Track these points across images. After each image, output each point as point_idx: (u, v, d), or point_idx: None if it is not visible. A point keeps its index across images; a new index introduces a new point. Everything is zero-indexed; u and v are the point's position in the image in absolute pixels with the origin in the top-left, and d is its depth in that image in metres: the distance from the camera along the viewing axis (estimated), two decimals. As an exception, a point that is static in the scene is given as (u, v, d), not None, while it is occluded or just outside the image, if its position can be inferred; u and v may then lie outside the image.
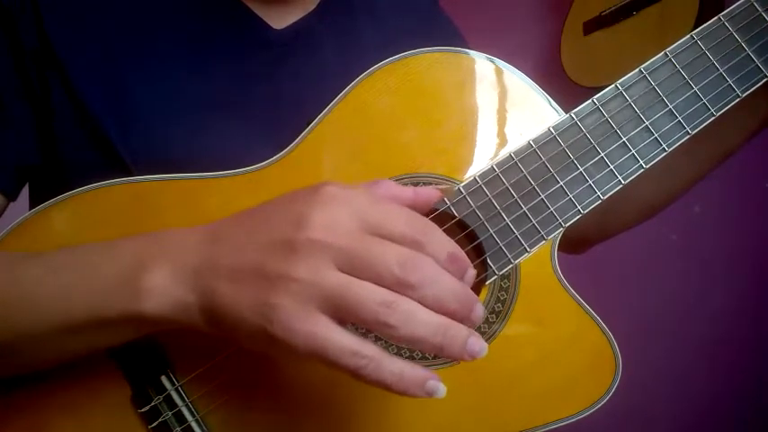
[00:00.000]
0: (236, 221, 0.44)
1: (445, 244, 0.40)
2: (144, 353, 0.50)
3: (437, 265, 0.38)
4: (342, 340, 0.37)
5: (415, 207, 0.43)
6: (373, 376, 0.37)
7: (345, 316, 0.37)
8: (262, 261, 0.39)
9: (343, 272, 0.37)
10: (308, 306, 0.37)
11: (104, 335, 0.47)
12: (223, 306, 0.40)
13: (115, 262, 0.46)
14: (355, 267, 0.37)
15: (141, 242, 0.46)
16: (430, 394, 0.38)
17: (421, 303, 0.37)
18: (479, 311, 0.39)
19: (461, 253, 0.40)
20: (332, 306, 0.37)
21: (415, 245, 0.38)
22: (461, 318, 0.38)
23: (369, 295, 0.36)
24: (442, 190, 0.46)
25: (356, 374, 0.37)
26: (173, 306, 0.42)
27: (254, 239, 0.40)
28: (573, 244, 0.70)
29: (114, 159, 0.56)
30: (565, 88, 1.60)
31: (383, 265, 0.37)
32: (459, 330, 0.38)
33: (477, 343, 0.38)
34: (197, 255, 0.42)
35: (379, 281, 0.37)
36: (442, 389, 0.38)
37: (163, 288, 0.42)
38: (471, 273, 0.41)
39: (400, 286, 0.37)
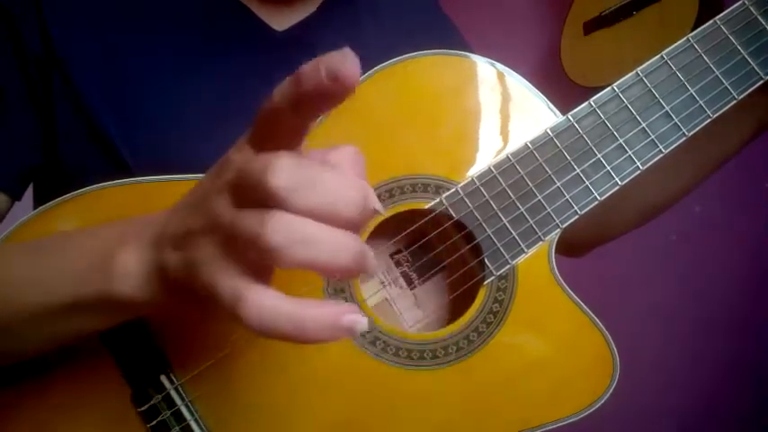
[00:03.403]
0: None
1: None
2: (143, 352, 0.51)
3: (313, 164, 0.31)
4: (224, 281, 0.32)
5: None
6: (250, 319, 0.31)
7: (244, 253, 0.32)
8: (187, 221, 0.36)
9: (236, 207, 0.33)
10: (214, 255, 0.33)
11: (83, 319, 0.46)
12: (172, 275, 0.38)
13: (93, 245, 0.45)
14: (245, 199, 0.32)
15: (119, 225, 0.46)
16: (350, 332, 0.31)
17: (307, 215, 0.31)
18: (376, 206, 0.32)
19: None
20: (234, 248, 0.33)
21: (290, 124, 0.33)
22: (357, 223, 0.32)
23: (249, 220, 0.31)
24: None
25: (241, 322, 0.32)
26: (135, 285, 0.41)
27: (185, 202, 0.39)
28: (573, 247, 0.71)
29: (116, 160, 0.56)
30: (565, 88, 1.61)
31: (251, 179, 0.31)
32: (354, 243, 0.31)
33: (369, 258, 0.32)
34: (152, 231, 0.41)
35: (259, 199, 0.31)
36: (362, 322, 0.31)
37: (127, 268, 0.41)
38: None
39: (270, 197, 0.30)
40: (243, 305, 0.31)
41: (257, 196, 0.31)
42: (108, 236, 0.45)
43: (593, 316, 0.55)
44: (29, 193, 0.63)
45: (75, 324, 0.47)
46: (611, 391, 0.54)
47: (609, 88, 0.55)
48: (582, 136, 0.55)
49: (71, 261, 0.46)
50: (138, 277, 0.41)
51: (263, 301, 0.31)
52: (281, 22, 0.64)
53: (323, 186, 0.31)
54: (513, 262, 0.55)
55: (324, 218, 0.31)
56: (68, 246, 0.47)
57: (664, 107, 0.55)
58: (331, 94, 0.31)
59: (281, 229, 0.30)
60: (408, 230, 0.56)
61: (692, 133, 0.55)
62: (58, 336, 0.48)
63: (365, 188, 0.32)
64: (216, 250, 0.33)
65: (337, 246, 0.31)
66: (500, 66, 0.57)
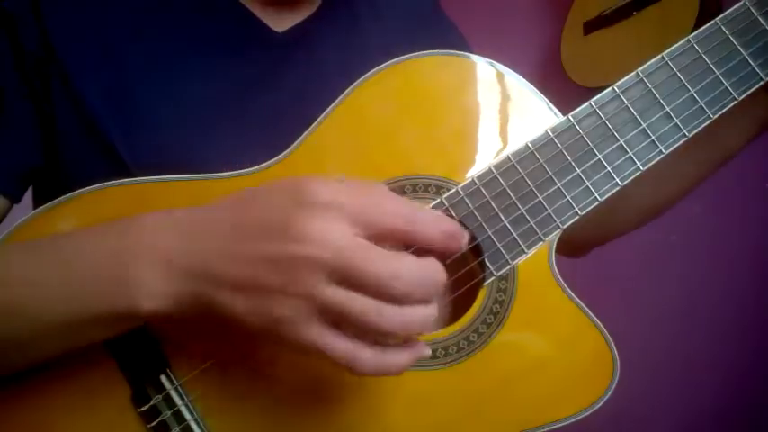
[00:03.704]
0: (216, 217, 0.44)
1: (436, 224, 0.41)
2: (143, 352, 0.51)
3: (420, 269, 0.40)
4: (339, 347, 0.40)
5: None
6: (366, 372, 0.41)
7: (344, 324, 0.41)
8: (258, 275, 0.41)
9: (336, 283, 0.40)
10: (308, 316, 0.40)
11: (98, 329, 0.48)
12: (225, 311, 0.42)
13: (100, 257, 0.46)
14: (345, 280, 0.39)
15: (119, 234, 0.46)
16: (417, 359, 0.43)
17: (408, 303, 0.40)
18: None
19: (454, 225, 0.41)
20: (329, 317, 0.40)
21: (406, 236, 0.41)
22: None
23: (361, 307, 0.39)
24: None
25: (351, 372, 0.41)
26: (164, 304, 0.44)
27: (246, 249, 0.41)
28: (573, 247, 0.71)
29: (115, 160, 0.56)
30: (565, 88, 1.61)
31: (373, 281, 0.39)
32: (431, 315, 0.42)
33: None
34: (183, 253, 0.43)
35: (367, 291, 0.39)
36: (427, 351, 0.44)
37: (152, 285, 0.43)
38: (466, 238, 0.43)
39: (389, 297, 0.40)
40: (356, 364, 0.40)
41: (368, 289, 0.39)
42: (111, 246, 0.46)
43: (592, 316, 0.54)
44: (28, 194, 0.62)
45: (88, 335, 0.48)
46: (611, 391, 0.54)
47: (609, 89, 0.55)
48: (582, 136, 0.55)
49: (83, 272, 0.46)
50: (166, 297, 0.43)
51: (369, 359, 0.41)
52: (280, 23, 0.64)
53: (429, 282, 0.40)
54: (514, 262, 0.55)
55: (424, 301, 0.41)
56: (70, 256, 0.47)
57: (664, 108, 0.55)
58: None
59: (395, 320, 0.40)
60: None
61: (692, 134, 0.55)
62: (67, 346, 0.49)
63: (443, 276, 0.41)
64: (309, 315, 0.40)
65: (429, 320, 0.41)
66: (500, 66, 0.57)
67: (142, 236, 0.45)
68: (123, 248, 0.45)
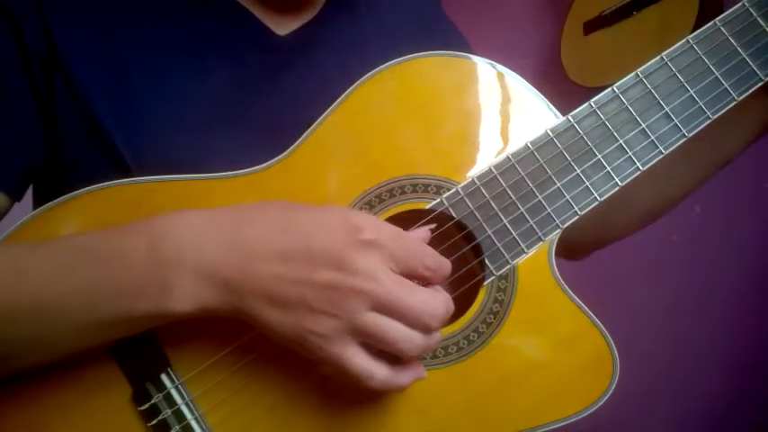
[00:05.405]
0: (261, 235, 0.47)
1: (445, 267, 0.49)
2: (144, 351, 0.51)
3: (445, 305, 0.47)
4: (362, 364, 0.46)
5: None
6: (377, 387, 0.47)
7: (373, 344, 0.46)
8: (306, 296, 0.45)
9: (375, 311, 0.45)
10: (342, 335, 0.45)
11: (118, 330, 0.49)
12: (263, 322, 0.46)
13: (136, 258, 0.47)
14: (386, 310, 0.45)
15: (157, 236, 0.47)
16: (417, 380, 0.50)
17: (430, 332, 0.47)
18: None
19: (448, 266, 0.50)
20: (363, 338, 0.46)
21: (427, 278, 0.48)
22: None
23: (398, 335, 0.46)
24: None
25: (365, 385, 0.46)
26: (202, 308, 0.47)
27: (296, 272, 0.46)
28: (573, 250, 0.71)
29: (116, 160, 0.56)
30: (565, 88, 1.61)
31: (411, 314, 0.46)
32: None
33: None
34: (225, 264, 0.46)
35: (404, 322, 0.46)
36: (425, 375, 0.50)
37: (191, 292, 0.46)
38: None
39: (421, 327, 0.46)
40: (371, 380, 0.46)
41: (404, 321, 0.46)
42: (157, 247, 0.47)
43: (593, 316, 0.55)
44: (28, 194, 0.63)
45: (110, 333, 0.49)
46: (611, 391, 0.54)
47: (609, 89, 0.55)
48: (582, 137, 0.55)
49: (117, 272, 0.47)
50: (198, 302, 0.46)
51: (384, 376, 0.47)
52: (282, 26, 0.64)
53: (448, 313, 0.47)
54: (514, 262, 0.55)
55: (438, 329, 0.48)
56: (96, 258, 0.48)
57: (664, 108, 0.55)
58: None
59: (421, 345, 0.46)
60: (408, 231, 0.56)
61: (692, 134, 0.55)
62: (85, 345, 0.49)
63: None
64: (342, 333, 0.45)
65: (439, 345, 0.52)
66: (500, 67, 0.57)
67: (184, 242, 0.47)
68: (162, 252, 0.46)
